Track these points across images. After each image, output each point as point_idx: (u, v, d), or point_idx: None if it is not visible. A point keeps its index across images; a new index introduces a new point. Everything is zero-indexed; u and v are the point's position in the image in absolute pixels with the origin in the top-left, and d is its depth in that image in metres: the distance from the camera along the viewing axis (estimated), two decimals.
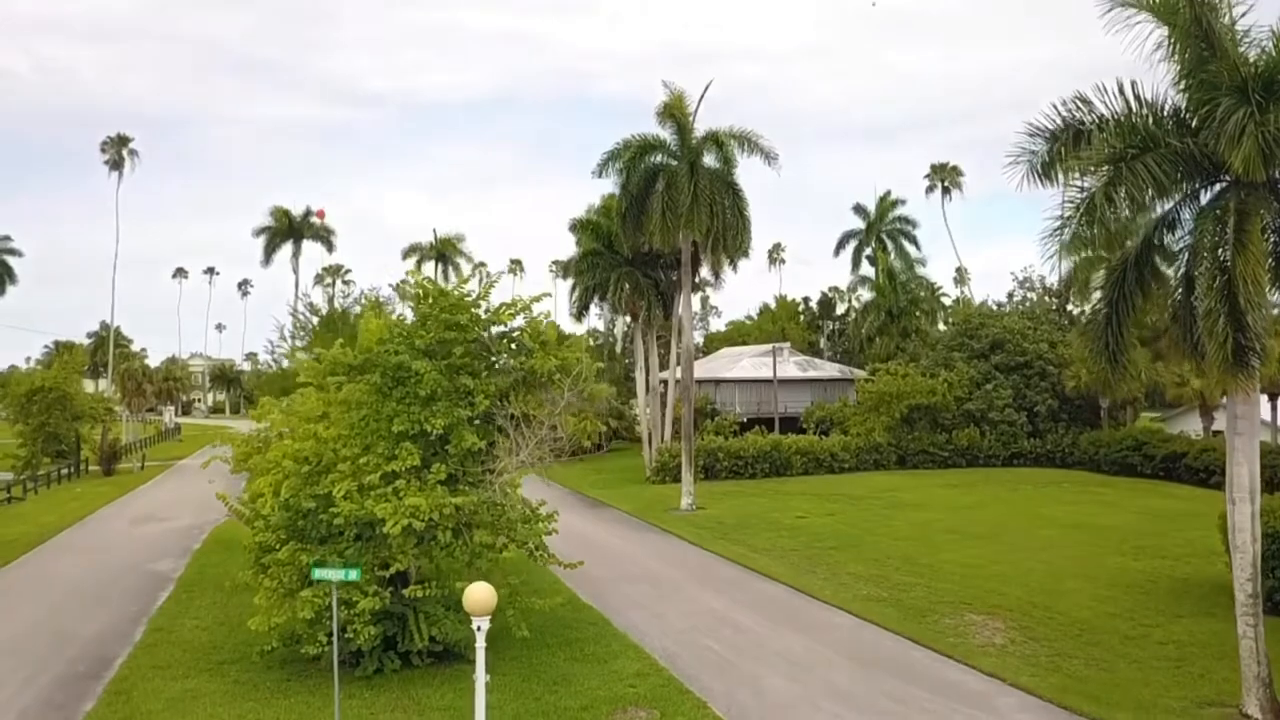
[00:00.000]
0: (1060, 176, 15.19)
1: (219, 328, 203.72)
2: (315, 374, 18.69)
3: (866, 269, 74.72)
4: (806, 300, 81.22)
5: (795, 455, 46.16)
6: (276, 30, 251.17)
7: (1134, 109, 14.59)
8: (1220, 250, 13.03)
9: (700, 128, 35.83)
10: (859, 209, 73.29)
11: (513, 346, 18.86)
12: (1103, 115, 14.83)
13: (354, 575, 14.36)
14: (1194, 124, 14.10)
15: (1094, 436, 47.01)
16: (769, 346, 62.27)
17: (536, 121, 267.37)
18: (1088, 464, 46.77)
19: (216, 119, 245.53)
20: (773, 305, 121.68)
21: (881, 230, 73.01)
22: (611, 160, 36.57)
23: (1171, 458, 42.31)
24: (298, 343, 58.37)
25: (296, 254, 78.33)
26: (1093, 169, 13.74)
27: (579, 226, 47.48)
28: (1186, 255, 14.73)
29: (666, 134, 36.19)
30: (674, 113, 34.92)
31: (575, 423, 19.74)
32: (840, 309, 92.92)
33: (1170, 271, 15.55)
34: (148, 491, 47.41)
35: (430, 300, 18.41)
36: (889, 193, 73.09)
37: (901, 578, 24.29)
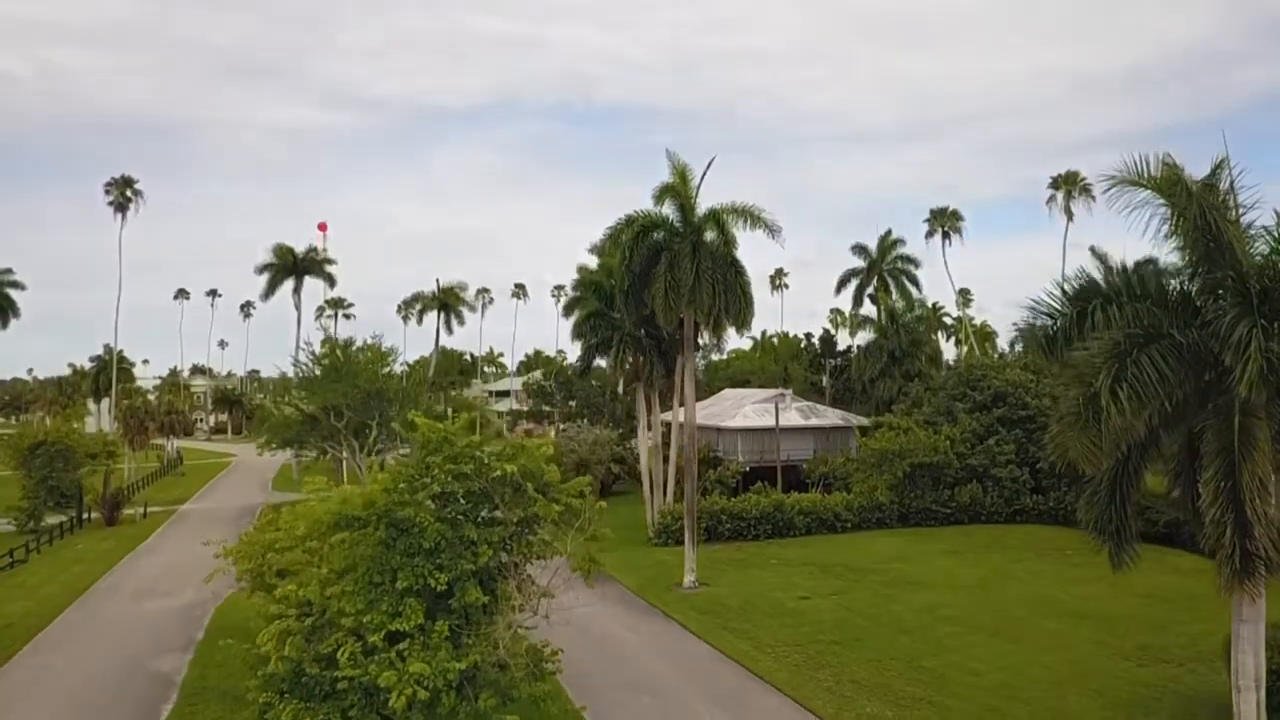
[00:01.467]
0: (1062, 352, 15.16)
1: (221, 344, 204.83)
2: (317, 529, 18.63)
3: (868, 305, 75.09)
4: (809, 336, 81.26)
5: (798, 516, 46.14)
6: (278, 36, 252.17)
7: (1138, 291, 14.57)
8: (1224, 455, 12.98)
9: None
10: (860, 248, 73.40)
11: (514, 492, 18.80)
12: (1106, 294, 14.81)
13: None
14: (1199, 306, 14.08)
15: None
16: (771, 393, 62.23)
17: (538, 125, 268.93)
18: None
19: (218, 124, 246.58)
20: (772, 330, 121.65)
21: (883, 269, 73.10)
22: (614, 237, 36.58)
23: (1175, 523, 42.09)
24: (301, 392, 58.55)
25: (298, 289, 78.38)
26: (1096, 362, 13.69)
27: (581, 285, 47.46)
28: (1188, 431, 14.71)
29: (669, 209, 36.20)
30: (677, 191, 34.91)
31: (581, 561, 19.68)
32: (843, 337, 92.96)
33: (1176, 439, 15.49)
34: (150, 551, 47.38)
35: (433, 447, 18.39)
36: (889, 232, 73.36)
37: (905, 687, 24.23)
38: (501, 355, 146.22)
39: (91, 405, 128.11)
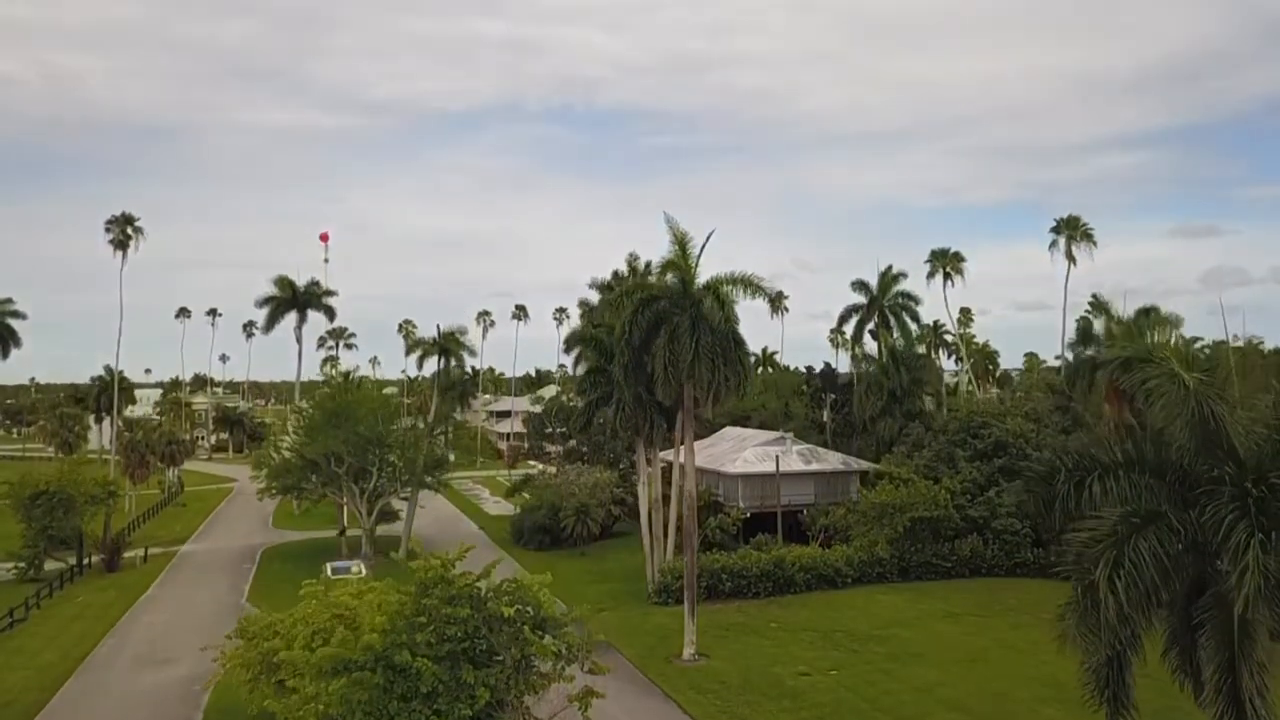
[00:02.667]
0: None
1: (223, 358, 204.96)
2: (314, 671, 18.60)
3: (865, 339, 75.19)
4: (810, 370, 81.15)
5: (799, 573, 46.05)
6: (280, 39, 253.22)
7: (1136, 463, 14.53)
8: (1224, 651, 12.93)
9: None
10: (861, 285, 73.26)
11: (512, 629, 18.78)
12: (1106, 464, 14.77)
13: None
14: (1200, 492, 14.01)
15: None
16: (772, 435, 62.18)
17: (541, 129, 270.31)
18: None
19: (220, 127, 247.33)
20: (773, 348, 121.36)
21: (884, 305, 73.02)
22: (614, 305, 36.63)
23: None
24: (301, 437, 58.66)
25: (301, 323, 78.26)
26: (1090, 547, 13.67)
27: (582, 340, 47.49)
28: (1187, 609, 14.66)
29: (669, 278, 36.22)
30: (677, 265, 34.93)
31: (579, 695, 19.70)
32: (842, 358, 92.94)
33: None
34: (150, 604, 47.25)
35: (430, 585, 18.38)
36: (890, 268, 73.15)
37: None
38: (503, 374, 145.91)
39: (92, 422, 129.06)
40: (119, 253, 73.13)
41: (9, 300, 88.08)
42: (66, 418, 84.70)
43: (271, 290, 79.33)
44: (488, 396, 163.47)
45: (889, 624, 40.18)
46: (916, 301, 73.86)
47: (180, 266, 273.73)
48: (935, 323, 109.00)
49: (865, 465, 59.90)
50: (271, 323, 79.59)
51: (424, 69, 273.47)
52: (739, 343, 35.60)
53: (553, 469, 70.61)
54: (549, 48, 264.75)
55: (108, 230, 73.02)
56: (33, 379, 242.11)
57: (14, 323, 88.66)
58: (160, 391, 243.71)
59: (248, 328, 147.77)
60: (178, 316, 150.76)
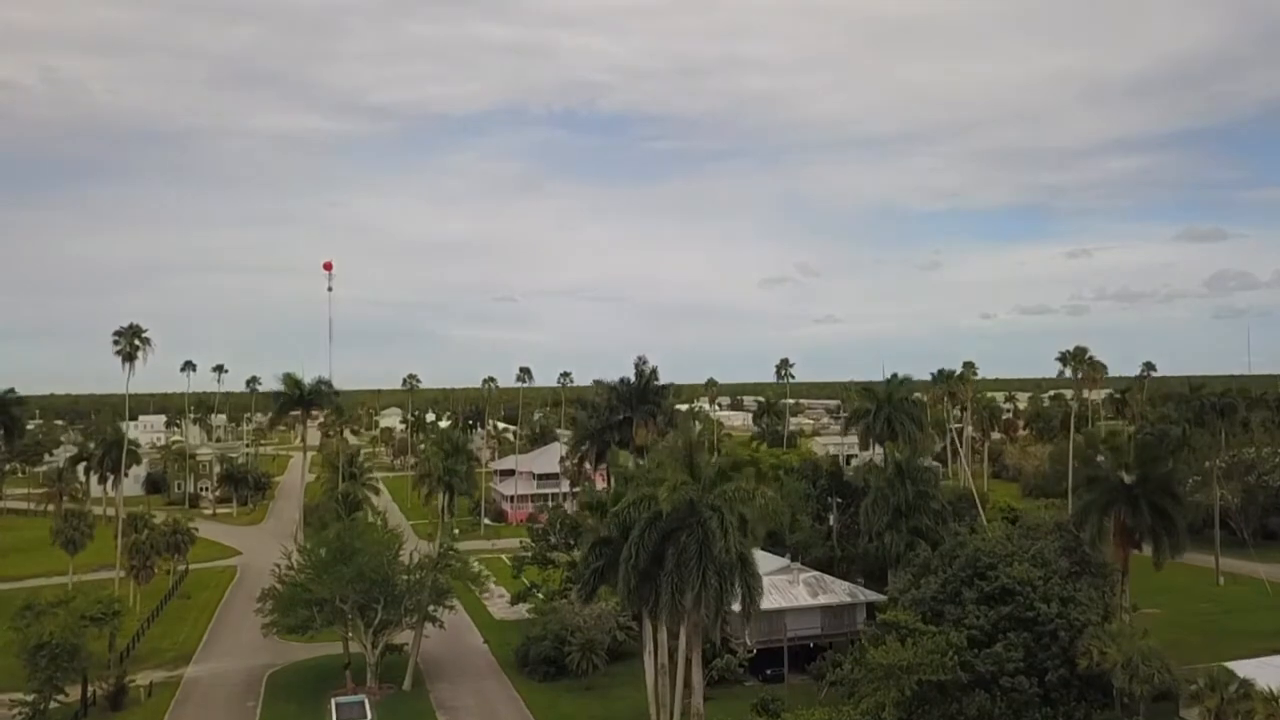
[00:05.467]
0: None
1: (227, 395, 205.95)
2: None
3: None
4: (815, 468, 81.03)
5: None
6: (284, 44, 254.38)
7: None
8: None
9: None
10: (866, 391, 73.54)
11: None
12: None
13: None
14: None
15: None
16: (780, 564, 61.98)
17: (543, 133, 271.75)
18: None
19: (222, 132, 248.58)
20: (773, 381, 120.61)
21: (889, 410, 73.10)
22: (618, 516, 36.54)
23: None
24: (308, 571, 58.82)
25: (304, 419, 78.49)
26: None
27: (590, 508, 47.47)
28: None
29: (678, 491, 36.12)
30: (686, 486, 34.86)
31: None
32: (850, 453, 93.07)
33: None
34: None
35: None
36: (895, 375, 73.62)
37: None
38: (507, 431, 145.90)
39: (95, 482, 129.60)
40: (127, 365, 73.10)
41: (11, 390, 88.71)
42: (73, 515, 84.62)
43: (278, 386, 79.81)
44: (492, 429, 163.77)
45: None
46: (921, 407, 74.17)
47: (181, 269, 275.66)
48: (942, 371, 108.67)
49: (872, 596, 59.85)
50: (277, 418, 80.00)
51: (428, 73, 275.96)
52: (746, 563, 35.46)
53: (556, 581, 70.50)
54: (553, 52, 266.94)
55: (115, 342, 73.04)
56: (37, 412, 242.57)
57: (16, 411, 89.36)
58: (164, 418, 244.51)
59: (251, 383, 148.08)
60: (183, 369, 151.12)
